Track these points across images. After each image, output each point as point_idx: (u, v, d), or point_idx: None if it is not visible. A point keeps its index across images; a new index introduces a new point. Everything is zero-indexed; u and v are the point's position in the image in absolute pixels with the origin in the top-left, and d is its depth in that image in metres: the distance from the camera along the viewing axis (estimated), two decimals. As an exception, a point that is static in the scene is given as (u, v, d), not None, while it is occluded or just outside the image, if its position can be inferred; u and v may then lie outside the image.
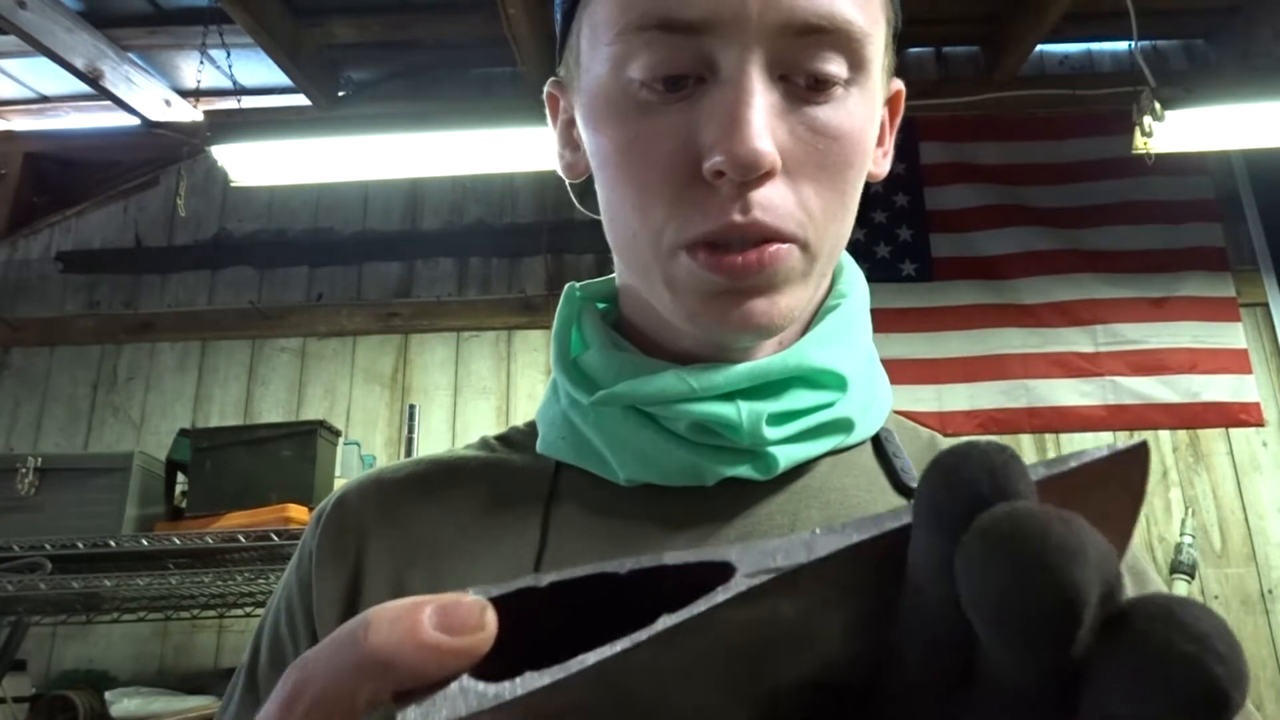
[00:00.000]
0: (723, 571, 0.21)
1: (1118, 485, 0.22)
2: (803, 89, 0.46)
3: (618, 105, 0.48)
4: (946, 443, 0.60)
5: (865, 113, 0.48)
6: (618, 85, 0.47)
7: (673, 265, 0.48)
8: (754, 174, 0.44)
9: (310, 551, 0.55)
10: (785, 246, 0.46)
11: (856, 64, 0.46)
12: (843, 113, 0.47)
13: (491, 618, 0.21)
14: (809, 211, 0.47)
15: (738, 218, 0.45)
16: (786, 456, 0.50)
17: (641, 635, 0.20)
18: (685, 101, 0.46)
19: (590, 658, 0.20)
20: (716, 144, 0.44)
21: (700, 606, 0.20)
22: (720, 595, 0.20)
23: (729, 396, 0.49)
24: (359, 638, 0.20)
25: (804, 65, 0.45)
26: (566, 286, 0.58)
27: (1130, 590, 0.52)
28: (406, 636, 0.20)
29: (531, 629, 0.22)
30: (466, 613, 0.20)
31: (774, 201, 0.45)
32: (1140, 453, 0.21)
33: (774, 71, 0.45)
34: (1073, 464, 0.21)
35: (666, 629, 0.20)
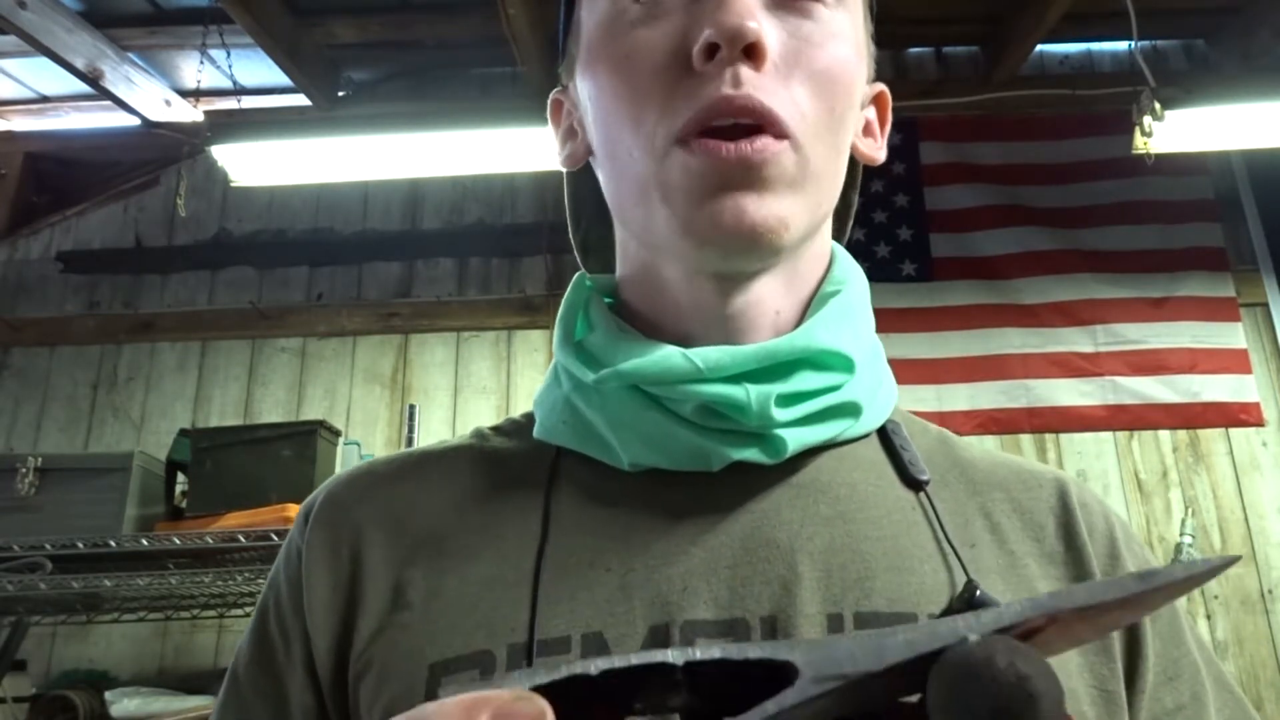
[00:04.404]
0: (783, 670, 0.21)
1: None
2: (787, 5, 0.48)
3: (613, 30, 0.50)
4: (957, 440, 0.58)
5: (849, 41, 0.50)
6: (614, 14, 0.50)
7: (666, 166, 0.48)
8: (742, 41, 0.45)
9: (299, 550, 0.53)
10: (778, 144, 0.47)
11: None
12: (826, 31, 0.49)
13: None
14: (801, 111, 0.48)
15: (729, 90, 0.46)
16: (795, 440, 0.49)
17: None
18: (676, 15, 0.48)
19: None
20: (705, 24, 0.46)
21: (769, 710, 0.20)
22: (790, 698, 0.20)
23: (736, 379, 0.48)
24: None
25: None
26: (577, 274, 0.58)
27: None
28: None
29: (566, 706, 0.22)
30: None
31: (767, 84, 0.46)
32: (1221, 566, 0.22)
33: None
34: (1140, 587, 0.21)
35: None
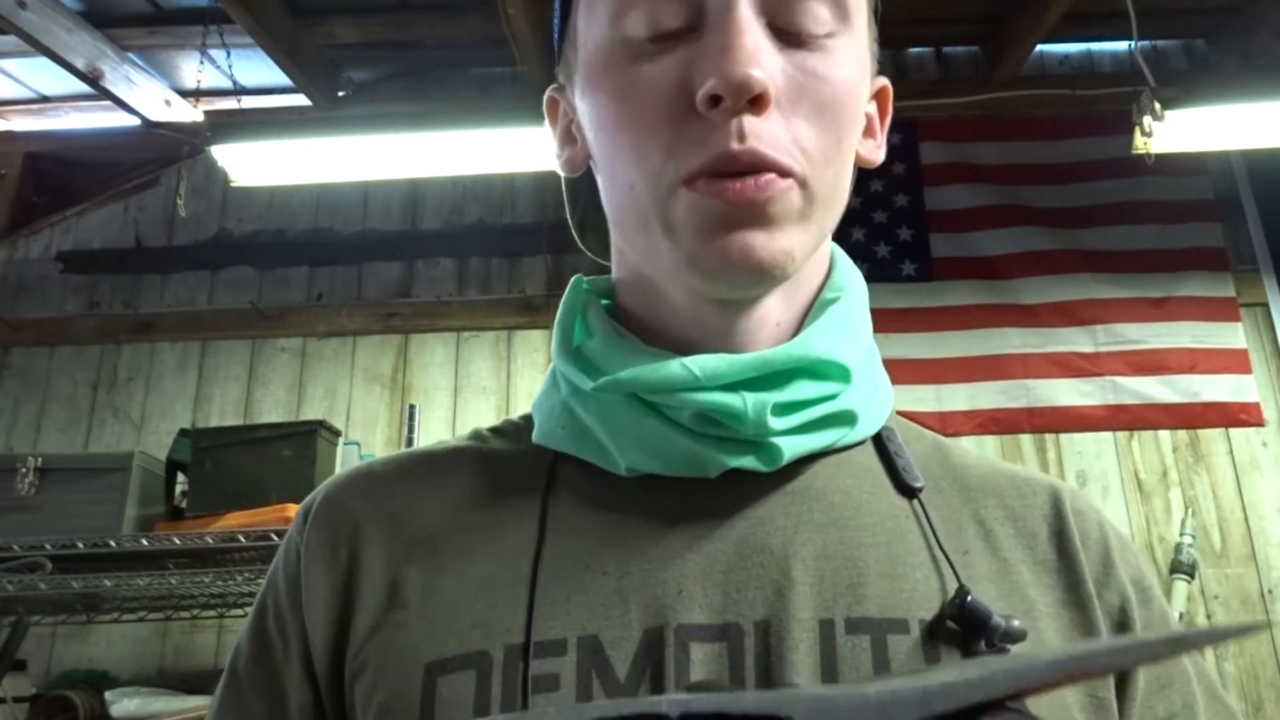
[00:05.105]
0: None
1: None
2: (791, 35, 0.47)
3: (615, 59, 0.49)
4: (952, 447, 0.59)
5: (854, 66, 0.50)
6: (615, 40, 0.49)
7: (672, 203, 0.47)
8: (748, 95, 0.44)
9: (298, 548, 0.54)
10: (784, 181, 0.46)
11: (840, 14, 0.48)
12: (831, 60, 0.48)
13: None
14: (804, 149, 0.47)
15: (734, 145, 0.45)
16: (790, 448, 0.50)
17: None
18: (679, 49, 0.47)
19: None
20: (710, 71, 0.45)
21: None
22: None
23: (733, 387, 0.49)
24: None
25: (789, 13, 0.47)
26: (574, 278, 0.58)
27: (1135, 608, 0.51)
28: None
29: None
30: None
31: (770, 131, 0.46)
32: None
33: (761, 18, 0.47)
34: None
35: None
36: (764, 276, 0.48)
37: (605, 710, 0.22)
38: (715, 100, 0.45)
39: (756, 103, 0.45)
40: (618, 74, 0.49)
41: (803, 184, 0.47)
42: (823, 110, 0.47)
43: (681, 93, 0.46)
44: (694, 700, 0.22)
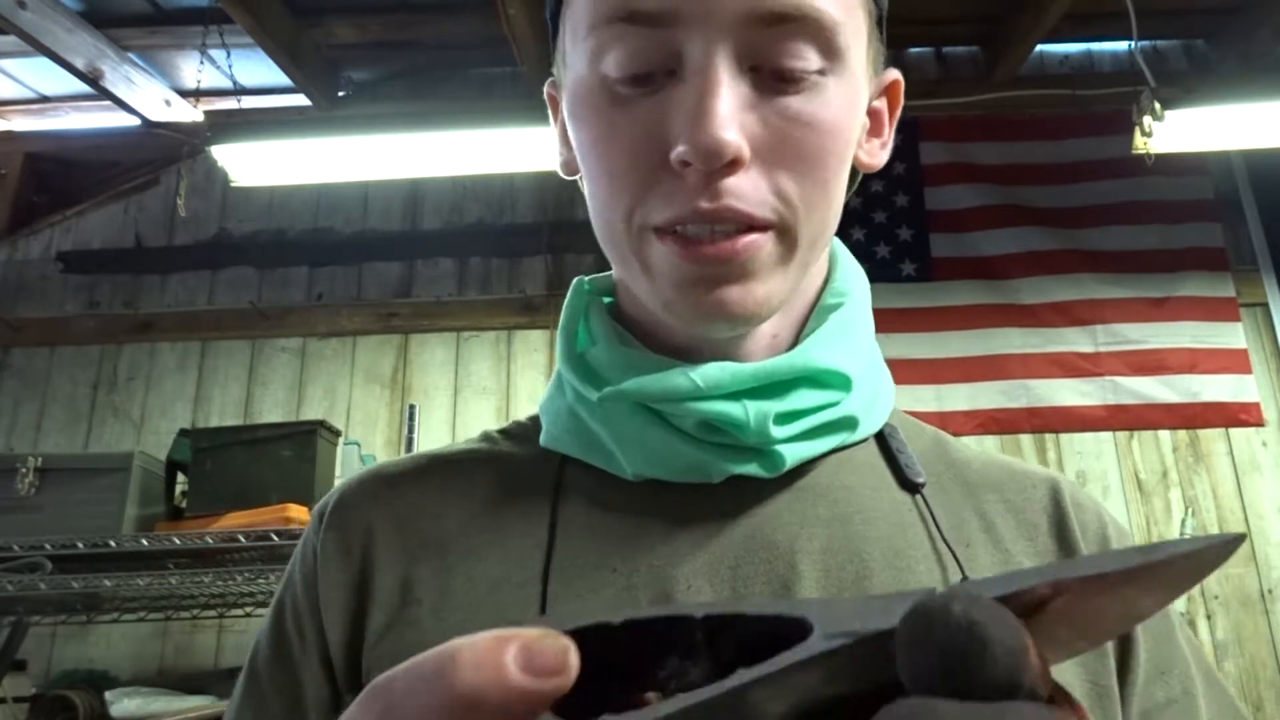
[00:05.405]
0: (798, 626, 0.21)
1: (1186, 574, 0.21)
2: (775, 79, 0.46)
3: (594, 98, 0.48)
4: (952, 442, 0.59)
5: (844, 101, 0.48)
6: (594, 79, 0.48)
7: (645, 248, 0.48)
8: (718, 163, 0.44)
9: (314, 549, 0.55)
10: (761, 236, 0.46)
11: (830, 52, 0.46)
12: (817, 101, 0.46)
13: (574, 660, 0.21)
14: (786, 199, 0.46)
15: (704, 204, 0.45)
16: (792, 454, 0.51)
17: (723, 686, 0.20)
18: (657, 94, 0.46)
19: (668, 706, 0.20)
20: (681, 134, 0.44)
21: (782, 662, 0.20)
22: (801, 653, 0.20)
23: (735, 396, 0.50)
24: (446, 679, 0.20)
25: (774, 56, 0.45)
26: (575, 280, 0.59)
27: None
28: (492, 679, 0.20)
29: (591, 658, 0.22)
30: (551, 657, 0.21)
31: (745, 189, 0.45)
32: (1230, 545, 0.20)
33: (743, 63, 0.45)
34: (1139, 560, 0.20)
35: (748, 682, 0.20)
36: (741, 325, 0.49)
37: (638, 613, 0.23)
38: (687, 163, 0.45)
39: (730, 165, 0.44)
40: (596, 114, 0.48)
41: (783, 232, 0.47)
42: (805, 158, 0.46)
43: (654, 144, 0.46)
44: (717, 604, 0.23)
